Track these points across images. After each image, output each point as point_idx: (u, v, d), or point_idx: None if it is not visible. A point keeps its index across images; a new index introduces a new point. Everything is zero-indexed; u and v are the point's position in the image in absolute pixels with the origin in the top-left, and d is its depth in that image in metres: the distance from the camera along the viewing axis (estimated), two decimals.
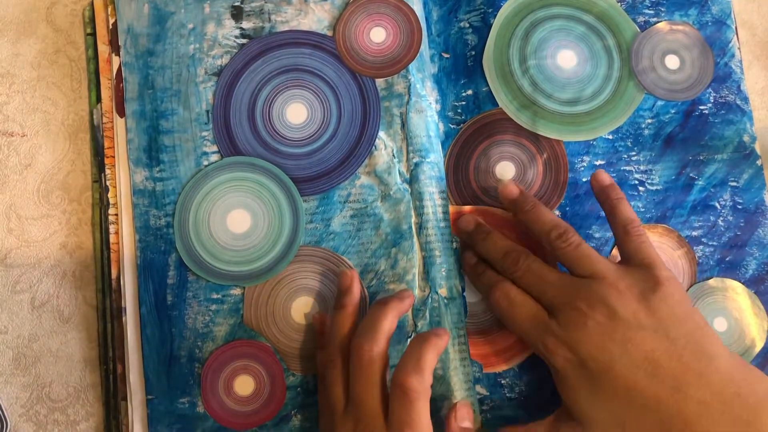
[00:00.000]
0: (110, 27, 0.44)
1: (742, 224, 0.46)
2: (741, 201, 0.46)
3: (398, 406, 0.35)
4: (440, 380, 0.42)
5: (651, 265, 0.38)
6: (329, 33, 0.45)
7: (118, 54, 0.44)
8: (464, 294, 0.44)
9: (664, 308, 0.36)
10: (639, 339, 0.35)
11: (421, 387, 0.36)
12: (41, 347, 0.43)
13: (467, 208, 0.45)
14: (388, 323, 0.38)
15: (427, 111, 0.44)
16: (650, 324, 0.36)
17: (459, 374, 0.42)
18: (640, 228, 0.39)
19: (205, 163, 0.43)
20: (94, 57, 0.45)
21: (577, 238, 0.39)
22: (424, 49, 0.45)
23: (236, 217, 0.43)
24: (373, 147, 0.44)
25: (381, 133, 0.44)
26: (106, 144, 0.44)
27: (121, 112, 0.44)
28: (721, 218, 0.46)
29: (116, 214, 0.43)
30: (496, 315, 0.40)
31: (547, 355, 0.37)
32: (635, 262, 0.38)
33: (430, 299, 0.42)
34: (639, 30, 0.47)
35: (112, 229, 0.43)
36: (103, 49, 0.44)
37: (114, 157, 0.43)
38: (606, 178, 0.42)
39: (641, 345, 0.35)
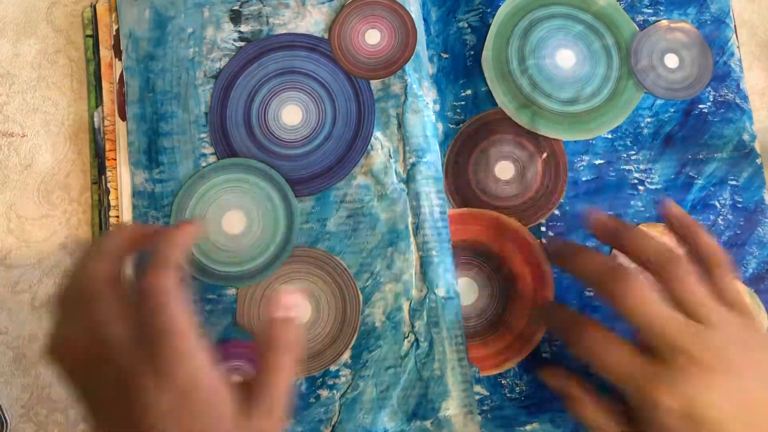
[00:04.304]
0: (113, 33, 0.45)
1: (741, 223, 0.45)
2: (741, 200, 0.45)
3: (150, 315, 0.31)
4: (437, 380, 0.41)
5: (743, 307, 0.36)
6: (326, 35, 0.45)
7: (120, 58, 0.45)
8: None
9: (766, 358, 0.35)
10: (754, 396, 0.34)
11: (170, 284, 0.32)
12: (41, 348, 0.43)
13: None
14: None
15: (423, 111, 0.44)
16: (758, 377, 0.35)
17: (456, 374, 0.42)
18: (727, 259, 0.38)
19: (204, 164, 0.44)
20: (94, 58, 0.45)
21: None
22: (421, 49, 0.45)
23: (231, 218, 0.43)
24: (369, 147, 0.44)
25: (377, 134, 0.44)
26: (108, 147, 0.44)
27: (123, 116, 0.44)
28: (721, 217, 0.45)
29: (117, 216, 0.43)
30: (581, 357, 0.37)
31: (647, 404, 0.34)
32: (727, 300, 0.36)
33: (427, 299, 0.42)
34: (638, 29, 0.46)
35: None
36: (106, 53, 0.45)
37: (116, 159, 0.44)
38: (675, 207, 0.40)
39: (757, 402, 0.34)
